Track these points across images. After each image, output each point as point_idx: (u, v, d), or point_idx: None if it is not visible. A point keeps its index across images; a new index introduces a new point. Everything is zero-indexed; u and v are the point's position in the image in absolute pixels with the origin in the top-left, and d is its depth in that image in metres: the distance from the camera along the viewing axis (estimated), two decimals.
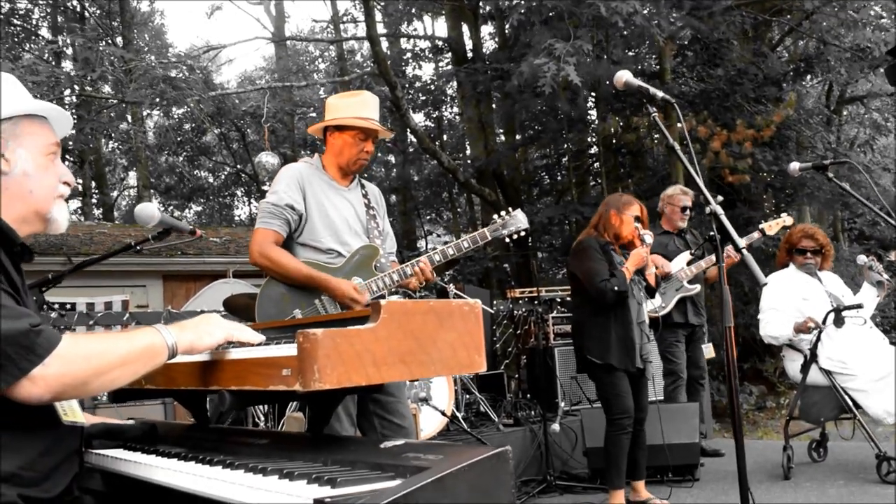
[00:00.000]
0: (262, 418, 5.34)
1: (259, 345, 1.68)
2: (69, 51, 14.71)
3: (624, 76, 2.55)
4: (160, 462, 1.68)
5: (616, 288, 4.16)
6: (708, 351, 5.84)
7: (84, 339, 1.54)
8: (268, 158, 8.44)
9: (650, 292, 4.51)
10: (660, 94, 2.46)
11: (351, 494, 1.13)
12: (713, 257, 5.49)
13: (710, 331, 6.38)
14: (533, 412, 6.14)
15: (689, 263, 5.54)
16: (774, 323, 5.02)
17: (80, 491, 1.71)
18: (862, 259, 5.06)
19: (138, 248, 2.68)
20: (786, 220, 5.51)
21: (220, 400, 1.64)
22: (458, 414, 5.70)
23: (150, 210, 2.59)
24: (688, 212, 5.75)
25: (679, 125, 2.47)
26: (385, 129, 3.23)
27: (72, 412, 1.65)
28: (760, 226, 5.48)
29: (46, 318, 5.61)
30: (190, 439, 2.03)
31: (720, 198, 2.94)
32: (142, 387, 1.94)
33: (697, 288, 5.57)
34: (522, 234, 3.30)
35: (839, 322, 4.75)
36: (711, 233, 2.25)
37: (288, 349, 1.46)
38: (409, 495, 1.12)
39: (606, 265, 4.26)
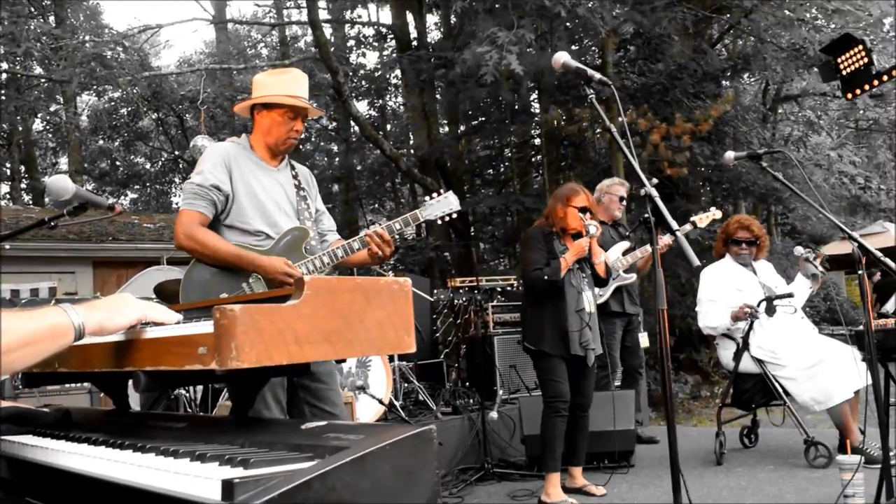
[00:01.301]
0: (195, 408, 5.20)
1: (177, 324, 1.59)
2: None
3: (562, 57, 2.53)
4: (68, 447, 1.57)
5: (546, 276, 4.22)
6: (643, 340, 5.93)
7: None
8: (203, 142, 8.12)
9: (599, 282, 4.54)
10: (597, 75, 2.45)
11: (263, 475, 1.06)
12: (648, 248, 5.57)
13: (647, 320, 6.47)
14: (472, 400, 6.13)
15: (624, 253, 5.61)
16: (712, 314, 5.11)
17: None
18: (799, 251, 5.18)
19: (52, 223, 2.52)
20: (715, 213, 5.84)
21: (135, 381, 1.55)
22: (395, 402, 5.65)
23: (64, 182, 2.43)
24: (624, 202, 5.85)
25: (620, 118, 2.44)
26: (315, 107, 3.12)
27: None
28: (692, 218, 5.71)
29: None
30: (106, 424, 1.92)
31: (655, 180, 2.95)
32: (55, 370, 1.82)
33: (633, 277, 5.65)
34: (454, 216, 3.25)
35: (770, 310, 4.87)
36: (646, 215, 2.25)
37: (205, 326, 1.37)
38: (326, 475, 1.06)
39: (545, 254, 4.34)
